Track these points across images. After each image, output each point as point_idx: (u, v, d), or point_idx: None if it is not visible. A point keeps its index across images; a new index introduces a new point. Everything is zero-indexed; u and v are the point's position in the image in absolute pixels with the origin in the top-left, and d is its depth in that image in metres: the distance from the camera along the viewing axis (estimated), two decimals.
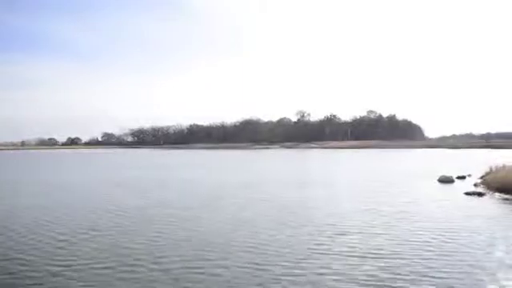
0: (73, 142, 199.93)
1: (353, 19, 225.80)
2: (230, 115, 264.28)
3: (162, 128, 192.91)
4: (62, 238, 10.59)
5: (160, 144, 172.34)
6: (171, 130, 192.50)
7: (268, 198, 17.41)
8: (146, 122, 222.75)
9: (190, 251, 9.19)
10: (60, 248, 9.57)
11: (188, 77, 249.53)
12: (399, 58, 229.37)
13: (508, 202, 15.92)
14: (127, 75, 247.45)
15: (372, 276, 7.40)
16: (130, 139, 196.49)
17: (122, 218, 13.35)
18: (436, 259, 8.35)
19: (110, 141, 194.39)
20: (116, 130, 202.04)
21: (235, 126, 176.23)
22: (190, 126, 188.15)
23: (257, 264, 8.19)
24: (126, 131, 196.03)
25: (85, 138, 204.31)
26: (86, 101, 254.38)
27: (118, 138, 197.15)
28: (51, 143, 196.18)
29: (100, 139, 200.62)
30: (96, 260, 8.56)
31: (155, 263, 8.31)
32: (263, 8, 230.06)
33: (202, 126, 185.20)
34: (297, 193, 19.16)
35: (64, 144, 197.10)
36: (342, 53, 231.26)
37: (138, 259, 8.59)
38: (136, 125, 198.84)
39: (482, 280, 7.15)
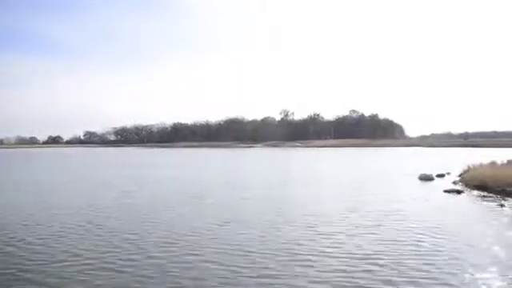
0: (54, 141, 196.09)
1: (336, 21, 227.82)
2: (214, 114, 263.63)
3: (146, 126, 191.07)
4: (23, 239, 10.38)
5: (144, 143, 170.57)
6: (155, 129, 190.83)
7: (248, 197, 17.32)
8: (130, 121, 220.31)
9: (164, 250, 9.18)
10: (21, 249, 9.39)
11: (173, 75, 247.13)
12: (381, 58, 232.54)
13: (485, 198, 16.32)
14: (111, 73, 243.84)
15: (352, 276, 7.42)
16: (112, 138, 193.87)
17: (87, 217, 13.11)
18: (416, 256, 8.49)
19: (92, 139, 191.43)
20: (99, 129, 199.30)
21: (219, 124, 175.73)
22: (174, 124, 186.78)
23: (229, 266, 8.08)
24: (109, 130, 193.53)
25: (67, 137, 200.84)
26: (68, 99, 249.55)
27: (101, 136, 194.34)
28: (31, 142, 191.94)
29: (82, 138, 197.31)
30: (62, 260, 8.47)
31: (127, 261, 8.29)
32: (251, 7, 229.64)
33: (186, 124, 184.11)
34: (277, 192, 18.98)
35: (45, 142, 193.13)
36: (325, 53, 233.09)
37: (109, 258, 8.55)
38: (119, 123, 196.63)
39: (460, 275, 7.31)
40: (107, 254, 8.80)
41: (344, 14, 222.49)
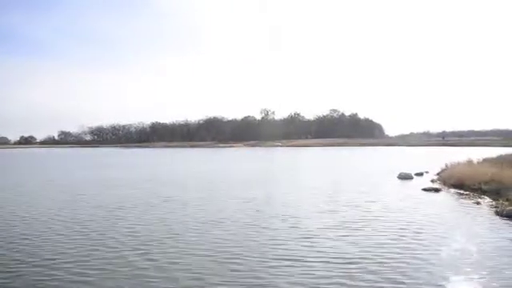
0: (27, 141, 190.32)
1: (318, 21, 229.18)
2: (193, 113, 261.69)
3: (124, 126, 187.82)
4: None
5: (121, 143, 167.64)
6: (133, 129, 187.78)
7: (223, 199, 16.93)
8: (107, 121, 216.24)
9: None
10: None
11: (152, 75, 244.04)
12: (361, 58, 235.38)
13: (462, 196, 16.54)
14: (88, 74, 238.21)
15: (329, 277, 7.32)
16: (88, 138, 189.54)
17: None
18: (394, 255, 8.46)
19: (67, 140, 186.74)
20: (74, 129, 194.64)
21: (199, 124, 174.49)
22: (153, 124, 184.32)
23: (204, 269, 7.89)
24: (85, 129, 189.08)
25: (40, 137, 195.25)
26: (43, 99, 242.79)
27: (76, 136, 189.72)
28: (2, 142, 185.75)
29: (56, 138, 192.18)
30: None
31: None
32: (230, 7, 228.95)
33: (164, 124, 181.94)
34: (254, 193, 18.49)
35: (17, 143, 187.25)
36: (305, 52, 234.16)
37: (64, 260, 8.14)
38: (96, 123, 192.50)
39: (438, 271, 7.31)
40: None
41: (328, 15, 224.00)
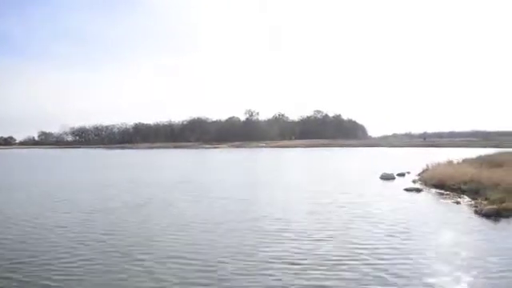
0: (6, 142, 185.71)
1: (301, 23, 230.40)
2: (177, 114, 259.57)
3: (107, 127, 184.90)
4: None
5: (104, 144, 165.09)
6: (116, 129, 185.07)
7: (208, 201, 16.90)
8: (89, 121, 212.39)
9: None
10: None
11: (134, 75, 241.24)
12: (344, 59, 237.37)
13: (442, 196, 16.88)
14: (71, 74, 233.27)
15: (314, 278, 7.37)
16: (70, 138, 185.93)
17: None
18: (377, 255, 8.61)
19: (48, 140, 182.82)
20: (55, 129, 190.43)
21: (183, 124, 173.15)
22: (136, 124, 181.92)
23: (188, 273, 7.87)
24: (67, 130, 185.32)
25: (20, 138, 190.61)
26: (23, 99, 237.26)
27: (58, 137, 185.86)
28: None
29: (37, 138, 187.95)
30: None
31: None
32: (218, 7, 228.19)
33: (148, 124, 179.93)
34: (238, 195, 18.47)
35: None
36: (289, 53, 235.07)
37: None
38: (77, 123, 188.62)
39: (417, 268, 7.50)
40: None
41: (311, 16, 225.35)
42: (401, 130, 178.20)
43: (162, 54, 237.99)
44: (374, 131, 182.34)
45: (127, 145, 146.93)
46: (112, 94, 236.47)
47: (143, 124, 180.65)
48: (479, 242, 9.54)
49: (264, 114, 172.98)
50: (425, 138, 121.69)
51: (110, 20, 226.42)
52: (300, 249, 9.09)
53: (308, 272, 7.57)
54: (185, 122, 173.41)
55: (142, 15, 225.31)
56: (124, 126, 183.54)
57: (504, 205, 12.94)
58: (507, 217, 12.07)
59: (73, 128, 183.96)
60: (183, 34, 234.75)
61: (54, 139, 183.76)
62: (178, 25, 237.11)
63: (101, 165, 45.70)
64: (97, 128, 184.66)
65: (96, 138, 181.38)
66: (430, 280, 7.11)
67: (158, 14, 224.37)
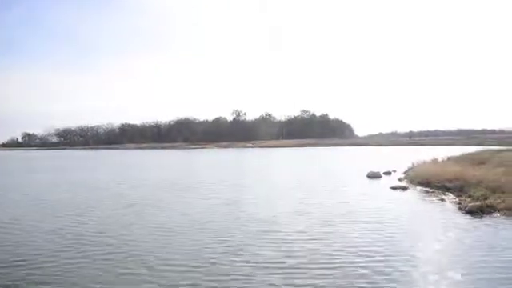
0: None
1: (289, 23, 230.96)
2: (164, 114, 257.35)
3: (92, 128, 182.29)
4: None
5: (89, 145, 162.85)
6: (101, 130, 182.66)
7: (194, 202, 16.88)
8: (74, 122, 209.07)
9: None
10: None
11: (120, 74, 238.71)
12: (331, 59, 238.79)
13: (428, 194, 17.17)
14: (54, 74, 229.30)
15: (301, 278, 7.45)
16: (55, 140, 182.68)
17: None
18: (365, 252, 8.77)
19: (32, 142, 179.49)
20: (39, 130, 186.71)
21: (170, 125, 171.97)
22: (122, 125, 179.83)
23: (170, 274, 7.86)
24: (51, 131, 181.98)
25: (3, 139, 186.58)
26: (4, 98, 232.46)
27: (42, 138, 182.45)
28: None
29: (20, 140, 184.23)
30: None
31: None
32: (204, 8, 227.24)
33: (134, 125, 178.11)
34: (225, 195, 18.33)
35: None
36: (275, 53, 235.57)
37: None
38: (62, 124, 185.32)
39: (402, 264, 7.66)
40: None
41: (298, 16, 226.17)
42: (387, 129, 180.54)
43: (149, 54, 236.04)
44: (360, 130, 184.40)
45: (113, 146, 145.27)
46: (98, 94, 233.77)
47: (129, 124, 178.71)
48: (462, 238, 9.76)
49: (251, 114, 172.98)
50: (410, 137, 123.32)
51: (97, 20, 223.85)
52: (286, 249, 9.13)
53: (295, 272, 7.64)
54: (172, 123, 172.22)
55: (131, 14, 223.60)
56: (110, 127, 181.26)
57: (487, 201, 13.27)
58: (489, 213, 12.36)
59: (57, 129, 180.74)
60: (174, 34, 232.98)
61: (38, 141, 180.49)
62: (173, 25, 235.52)
63: (90, 166, 45.18)
64: (82, 129, 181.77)
65: (81, 139, 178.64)
66: (414, 275, 7.27)
67: (148, 13, 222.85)
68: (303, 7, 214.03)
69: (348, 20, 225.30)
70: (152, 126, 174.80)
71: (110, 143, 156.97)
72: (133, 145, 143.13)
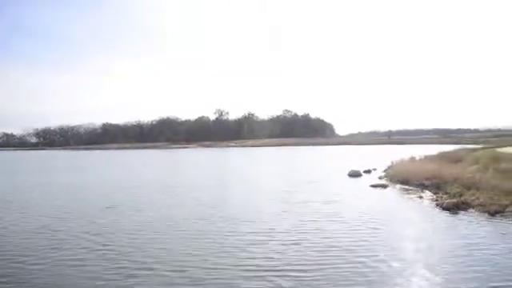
0: None
1: (271, 23, 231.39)
2: (146, 114, 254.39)
3: (73, 127, 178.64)
4: None
5: (70, 145, 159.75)
6: (82, 130, 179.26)
7: (175, 201, 16.92)
8: (54, 121, 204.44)
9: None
10: None
11: (102, 74, 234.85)
12: (311, 59, 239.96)
13: (407, 191, 17.67)
14: (34, 73, 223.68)
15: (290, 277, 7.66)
16: (34, 140, 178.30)
17: None
18: (347, 246, 9.08)
19: (10, 142, 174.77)
20: (18, 131, 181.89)
21: (152, 124, 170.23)
22: (104, 124, 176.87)
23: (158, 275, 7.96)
24: (30, 131, 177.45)
25: None
26: None
27: (20, 138, 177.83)
28: None
29: None
30: None
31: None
32: (190, 7, 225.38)
33: (116, 125, 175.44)
34: (207, 195, 18.26)
35: None
36: (258, 53, 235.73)
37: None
38: (42, 124, 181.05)
39: (383, 260, 7.96)
40: None
41: (282, 17, 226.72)
42: (367, 128, 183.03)
43: (134, 54, 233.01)
44: (341, 130, 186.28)
45: (95, 146, 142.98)
46: (80, 94, 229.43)
47: (111, 124, 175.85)
48: (439, 233, 10.21)
49: (234, 114, 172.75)
50: (389, 136, 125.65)
51: (77, 18, 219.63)
52: (269, 248, 9.32)
53: (279, 271, 7.85)
54: (154, 122, 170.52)
55: (122, 13, 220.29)
56: (91, 127, 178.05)
57: (462, 198, 13.82)
58: (465, 209, 12.87)
59: (36, 129, 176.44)
60: (148, 35, 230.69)
61: (17, 141, 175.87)
62: (144, 26, 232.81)
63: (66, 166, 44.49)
64: (62, 129, 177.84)
65: (61, 139, 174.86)
66: (394, 267, 7.60)
67: (141, 12, 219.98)
68: (300, 8, 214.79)
69: (328, 22, 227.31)
70: (134, 125, 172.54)
71: (92, 143, 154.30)
72: (115, 145, 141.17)
